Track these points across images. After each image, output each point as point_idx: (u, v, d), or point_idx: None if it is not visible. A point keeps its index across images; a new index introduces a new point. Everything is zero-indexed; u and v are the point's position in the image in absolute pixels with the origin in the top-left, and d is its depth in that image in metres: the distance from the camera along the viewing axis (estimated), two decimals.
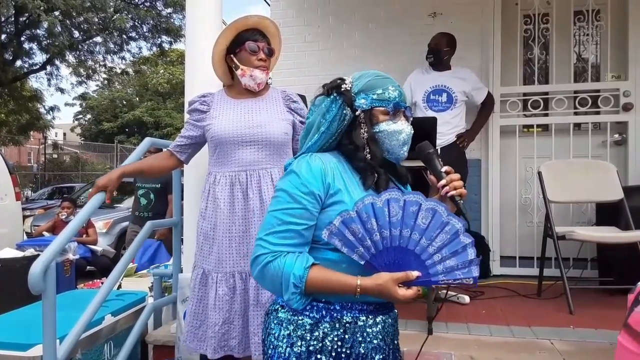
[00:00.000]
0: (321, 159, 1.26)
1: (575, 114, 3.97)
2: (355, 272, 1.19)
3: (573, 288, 3.02)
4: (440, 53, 3.71)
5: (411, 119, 1.37)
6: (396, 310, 1.37)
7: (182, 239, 2.92)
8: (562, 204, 3.68)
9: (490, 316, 2.89)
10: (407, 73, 3.93)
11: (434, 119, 2.95)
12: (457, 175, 1.31)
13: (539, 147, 3.93)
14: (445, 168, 1.33)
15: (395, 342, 1.36)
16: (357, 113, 1.30)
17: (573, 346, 2.39)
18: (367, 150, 1.29)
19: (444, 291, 3.26)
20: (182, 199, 2.90)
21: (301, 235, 1.22)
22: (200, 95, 2.26)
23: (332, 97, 1.31)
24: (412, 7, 4.28)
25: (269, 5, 4.76)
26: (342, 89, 1.31)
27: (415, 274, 1.16)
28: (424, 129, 2.84)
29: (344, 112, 1.29)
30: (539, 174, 3.35)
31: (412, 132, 1.34)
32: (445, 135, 3.62)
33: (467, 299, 3.16)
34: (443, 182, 1.30)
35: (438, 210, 1.17)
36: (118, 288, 3.88)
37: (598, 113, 3.94)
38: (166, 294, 3.13)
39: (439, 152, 3.30)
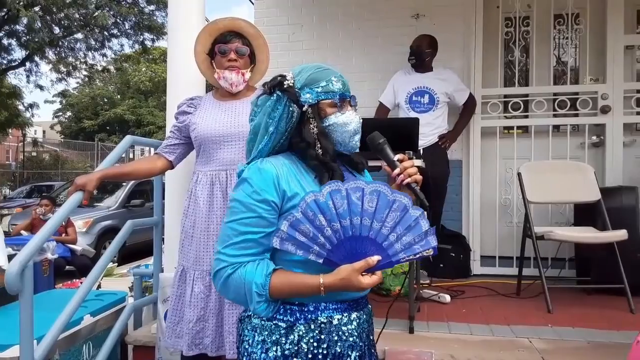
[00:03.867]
0: (273, 163, 1.23)
1: (555, 116, 4.03)
2: (325, 269, 1.17)
3: (551, 287, 3.07)
4: (422, 55, 3.75)
5: (356, 107, 1.34)
6: (370, 306, 1.37)
7: (162, 238, 2.91)
8: (541, 205, 3.74)
9: (471, 315, 2.92)
10: (390, 74, 3.96)
11: (416, 120, 2.97)
12: (410, 162, 1.29)
13: (519, 149, 3.98)
14: (398, 156, 1.30)
15: (371, 337, 1.35)
16: (304, 109, 1.26)
17: (551, 344, 2.43)
18: (319, 145, 1.26)
19: (426, 291, 3.29)
20: (163, 198, 2.88)
21: (259, 243, 1.20)
22: (188, 97, 2.30)
23: (275, 95, 1.25)
24: (396, 9, 4.30)
25: (252, 4, 4.75)
26: (285, 86, 1.25)
27: (375, 258, 1.15)
28: (407, 130, 2.87)
29: (291, 109, 1.24)
30: (519, 174, 3.40)
31: (361, 121, 1.31)
32: (428, 136, 3.66)
33: (447, 298, 3.19)
34: (397, 170, 1.28)
35: (382, 190, 1.16)
36: (97, 288, 3.85)
37: (577, 115, 4.00)
38: (147, 294, 3.10)
39: (422, 152, 3.36)
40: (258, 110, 1.30)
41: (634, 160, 3.91)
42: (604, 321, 2.73)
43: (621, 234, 3.00)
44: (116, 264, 6.18)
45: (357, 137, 1.30)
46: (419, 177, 1.28)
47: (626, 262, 3.03)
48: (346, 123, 1.27)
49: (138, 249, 7.12)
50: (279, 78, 1.27)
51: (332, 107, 1.28)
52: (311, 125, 1.26)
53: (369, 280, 1.15)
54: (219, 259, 1.21)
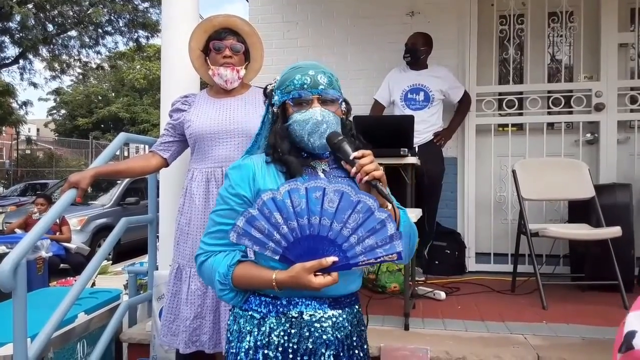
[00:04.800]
0: (254, 160, 1.30)
1: (549, 113, 4.04)
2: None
3: (546, 284, 3.08)
4: (417, 52, 3.75)
5: (337, 101, 1.30)
6: (357, 306, 1.33)
7: (157, 236, 2.90)
8: (536, 202, 3.75)
9: (466, 312, 2.92)
10: (385, 71, 3.96)
11: (411, 117, 2.97)
12: (368, 159, 1.20)
13: (514, 146, 3.99)
14: (355, 154, 1.22)
15: (354, 338, 1.29)
16: (274, 110, 1.34)
17: (546, 341, 2.44)
18: (278, 144, 1.29)
19: (421, 287, 3.30)
20: (158, 196, 2.87)
21: None
22: (182, 95, 2.29)
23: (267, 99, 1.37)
24: (391, 6, 4.30)
25: (247, 1, 4.73)
26: (268, 90, 1.35)
27: (330, 259, 1.13)
28: (402, 128, 2.87)
29: (269, 111, 1.35)
30: (514, 172, 3.41)
31: (323, 118, 1.26)
32: (423, 133, 3.67)
33: (443, 294, 3.19)
34: (353, 170, 1.21)
35: (345, 191, 1.14)
36: (92, 286, 3.84)
37: (571, 113, 4.01)
38: (141, 292, 3.09)
39: (417, 149, 3.36)
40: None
41: (627, 158, 3.92)
42: (598, 317, 2.74)
43: (615, 231, 3.01)
44: (110, 261, 6.18)
45: (317, 135, 1.26)
46: (378, 173, 1.19)
47: (620, 258, 3.04)
48: (303, 121, 1.26)
49: (133, 247, 7.11)
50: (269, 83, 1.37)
51: (293, 107, 1.30)
52: (275, 127, 1.32)
53: (321, 280, 1.13)
54: (200, 247, 1.31)
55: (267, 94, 1.36)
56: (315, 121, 1.25)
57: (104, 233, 7.36)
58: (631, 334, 0.67)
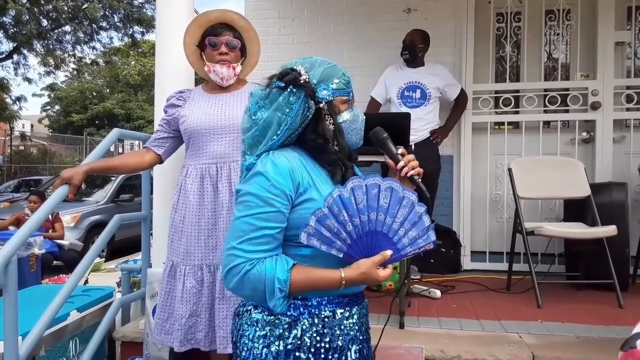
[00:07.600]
0: (285, 156, 1.21)
1: (545, 111, 4.04)
2: (331, 263, 1.19)
3: (541, 283, 3.08)
4: (415, 49, 3.73)
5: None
6: (366, 300, 1.37)
7: (151, 233, 2.88)
8: (531, 200, 3.75)
9: (461, 310, 2.92)
10: (381, 68, 3.94)
11: (408, 115, 2.95)
12: (412, 156, 1.33)
13: (510, 144, 3.99)
14: (400, 150, 1.34)
15: (369, 331, 1.37)
16: (320, 105, 1.24)
17: (540, 339, 2.44)
18: (335, 142, 1.27)
19: (417, 286, 3.29)
20: (152, 193, 2.84)
21: (276, 238, 1.18)
22: (177, 90, 2.27)
23: (289, 90, 1.21)
24: (387, 3, 4.28)
25: None
26: (302, 81, 1.22)
27: (389, 252, 1.19)
28: (398, 125, 2.85)
29: (307, 105, 1.22)
30: (509, 170, 3.40)
31: (365, 117, 1.34)
32: (419, 131, 3.65)
33: (438, 293, 3.19)
34: (401, 163, 1.31)
35: (394, 187, 1.20)
36: (85, 283, 3.81)
37: (567, 111, 4.01)
38: (135, 290, 3.07)
39: (413, 147, 3.35)
40: (263, 103, 1.26)
41: (623, 156, 3.93)
42: (593, 316, 2.75)
43: (610, 230, 3.01)
44: (104, 259, 6.15)
45: (362, 134, 1.33)
46: (420, 169, 1.32)
47: (615, 257, 3.04)
48: (355, 119, 1.31)
49: (127, 244, 7.07)
50: (293, 73, 1.23)
51: (344, 104, 1.29)
52: (327, 122, 1.26)
53: (384, 273, 1.19)
54: (234, 255, 1.17)
55: (301, 84, 1.21)
56: (363, 120, 1.33)
57: (97, 230, 7.31)
58: (637, 336, 0.68)
